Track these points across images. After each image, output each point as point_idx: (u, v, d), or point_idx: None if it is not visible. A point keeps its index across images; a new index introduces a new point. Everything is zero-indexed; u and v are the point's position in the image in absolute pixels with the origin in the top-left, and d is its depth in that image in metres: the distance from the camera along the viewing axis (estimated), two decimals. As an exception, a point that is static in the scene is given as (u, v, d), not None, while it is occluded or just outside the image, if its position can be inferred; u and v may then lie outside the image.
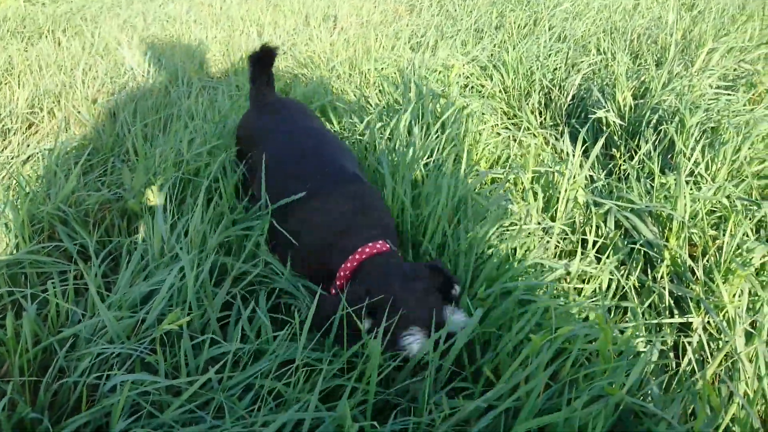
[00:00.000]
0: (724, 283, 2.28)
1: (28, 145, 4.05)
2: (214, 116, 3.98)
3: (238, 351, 2.02)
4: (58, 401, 1.96)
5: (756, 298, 2.28)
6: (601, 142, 3.19)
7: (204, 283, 2.25)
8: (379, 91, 4.59)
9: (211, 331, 2.10)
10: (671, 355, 2.18)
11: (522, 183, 3.09)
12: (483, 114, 4.00)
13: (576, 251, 2.77)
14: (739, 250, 2.48)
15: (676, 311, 2.33)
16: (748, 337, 2.07)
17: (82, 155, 3.48)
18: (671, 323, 2.27)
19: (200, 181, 2.95)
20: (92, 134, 4.11)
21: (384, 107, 4.13)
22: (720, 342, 2.10)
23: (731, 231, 2.49)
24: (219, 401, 1.82)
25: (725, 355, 2.06)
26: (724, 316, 2.18)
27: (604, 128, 4.01)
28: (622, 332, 2.19)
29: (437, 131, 3.50)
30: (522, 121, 4.20)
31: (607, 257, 2.57)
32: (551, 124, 4.42)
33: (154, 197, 2.77)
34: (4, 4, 7.58)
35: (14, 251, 2.61)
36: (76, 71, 5.07)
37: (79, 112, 4.48)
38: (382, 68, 4.96)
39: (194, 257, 2.32)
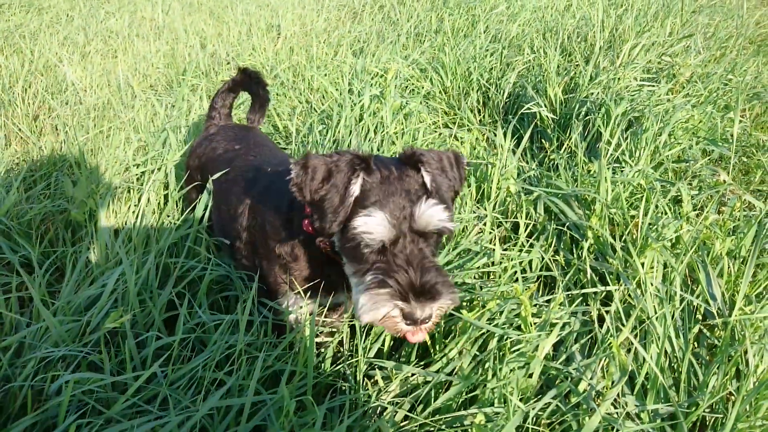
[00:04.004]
0: (639, 256, 2.46)
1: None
2: (157, 127, 4.02)
3: (184, 342, 2.09)
4: (4, 407, 1.99)
5: (671, 269, 2.46)
6: (527, 134, 3.37)
7: (149, 283, 2.32)
8: (322, 95, 4.70)
9: (156, 328, 2.16)
10: (596, 325, 2.33)
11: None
12: (420, 113, 4.14)
13: (509, 236, 2.93)
14: (655, 227, 2.67)
15: (599, 285, 2.49)
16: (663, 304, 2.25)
17: (24, 171, 3.49)
18: (595, 297, 2.43)
19: (143, 188, 3.00)
20: (34, 150, 4.09)
21: (326, 111, 4.24)
22: (634, 308, 2.27)
23: (645, 210, 2.67)
24: (165, 394, 1.89)
25: (641, 321, 2.23)
26: (639, 286, 2.35)
27: (539, 123, 4.21)
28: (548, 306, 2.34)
29: (375, 129, 3.63)
30: (461, 119, 4.36)
31: (536, 239, 2.73)
32: (490, 121, 4.60)
33: (97, 205, 2.82)
34: (-63, 24, 7.40)
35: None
36: (15, 88, 5.02)
37: (20, 129, 4.45)
38: (325, 74, 5.07)
39: (136, 260, 2.37)
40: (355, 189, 1.79)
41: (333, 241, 1.94)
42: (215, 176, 2.51)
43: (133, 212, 2.94)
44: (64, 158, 3.85)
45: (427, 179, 1.84)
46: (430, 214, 1.75)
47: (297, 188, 1.85)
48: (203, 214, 2.58)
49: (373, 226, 1.73)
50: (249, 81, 3.04)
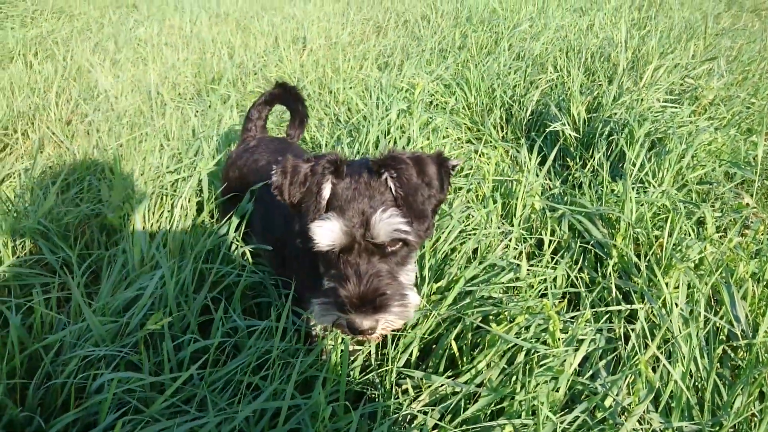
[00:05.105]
0: (664, 276, 2.50)
1: (3, 166, 4.12)
2: (188, 134, 4.13)
3: (219, 346, 2.16)
4: (46, 403, 2.07)
5: (695, 290, 2.50)
6: (553, 153, 3.42)
7: (185, 288, 2.40)
8: (348, 108, 4.78)
9: (191, 331, 2.23)
10: (621, 343, 2.37)
11: (482, 191, 3.29)
12: (446, 129, 4.21)
13: (534, 252, 2.98)
14: (679, 247, 2.70)
15: (623, 303, 2.53)
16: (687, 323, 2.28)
17: (58, 174, 3.59)
18: (619, 315, 2.48)
19: (176, 195, 3.09)
20: (67, 154, 4.21)
21: (353, 123, 4.33)
22: (659, 327, 2.31)
23: (670, 231, 2.72)
24: (202, 395, 1.96)
25: (666, 340, 2.26)
26: (663, 305, 2.39)
27: (562, 141, 4.26)
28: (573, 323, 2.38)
29: (404, 147, 3.71)
30: (484, 135, 4.42)
31: (561, 256, 2.78)
32: (512, 137, 4.65)
33: (133, 210, 2.91)
34: (-28, 28, 7.61)
35: (-3, 265, 2.71)
36: (50, 93, 5.16)
37: (53, 134, 4.58)
38: (351, 87, 5.16)
39: (173, 265, 2.45)
40: (326, 193, 1.81)
41: None
42: (258, 185, 2.59)
43: (167, 218, 3.03)
44: (97, 163, 3.96)
45: (392, 185, 1.80)
46: (387, 223, 1.73)
47: (278, 191, 1.90)
48: (239, 222, 2.65)
49: (324, 231, 1.74)
50: (287, 96, 3.12)
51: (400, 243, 1.79)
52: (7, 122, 4.67)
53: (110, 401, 1.90)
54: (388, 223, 1.73)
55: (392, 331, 1.77)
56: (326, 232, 1.74)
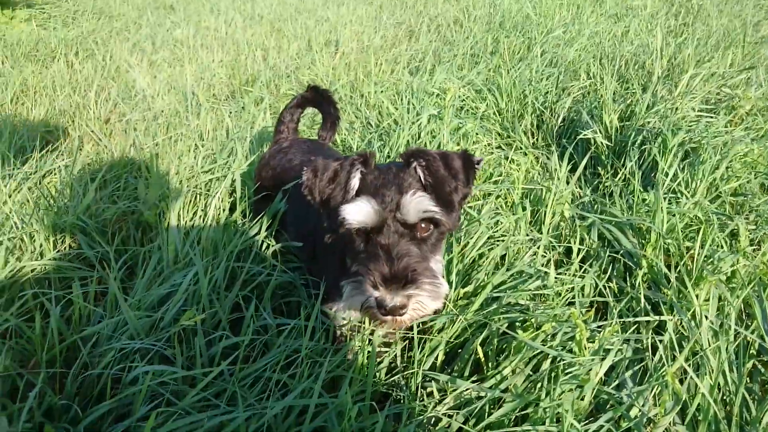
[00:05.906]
0: (694, 288, 2.48)
1: (45, 162, 4.25)
2: (222, 135, 4.22)
3: (250, 343, 2.22)
4: (82, 392, 2.14)
5: (726, 303, 2.47)
6: (584, 161, 3.41)
7: (217, 285, 2.46)
8: (379, 112, 4.83)
9: (222, 328, 2.30)
10: (648, 354, 2.36)
11: (512, 197, 3.30)
12: (477, 134, 4.23)
13: (562, 260, 2.98)
14: (711, 260, 2.68)
15: (652, 314, 2.52)
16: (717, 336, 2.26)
17: (97, 171, 3.70)
18: (647, 325, 2.46)
19: (210, 195, 3.16)
20: (105, 152, 4.33)
21: (384, 127, 4.36)
22: (688, 340, 2.29)
23: (702, 242, 2.69)
24: (232, 390, 2.01)
25: (694, 353, 2.25)
26: (693, 318, 2.37)
27: (593, 149, 4.24)
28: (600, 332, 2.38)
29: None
30: (515, 141, 4.42)
31: (590, 265, 2.77)
32: (543, 144, 4.64)
33: (168, 208, 2.99)
34: (17, 28, 7.87)
35: (39, 258, 2.81)
36: (90, 92, 5.31)
37: (92, 131, 4.71)
38: (382, 91, 5.20)
39: (207, 263, 2.51)
40: (355, 183, 1.87)
41: None
42: (291, 183, 2.65)
43: (200, 217, 3.11)
44: (134, 161, 4.07)
45: (421, 174, 1.86)
46: (418, 202, 1.77)
47: (308, 191, 1.95)
48: (271, 222, 2.71)
49: (355, 211, 1.78)
50: (319, 99, 3.17)
51: (431, 225, 1.83)
52: (49, 120, 4.83)
53: (144, 393, 1.97)
54: (418, 202, 1.78)
55: (421, 317, 1.78)
56: (357, 209, 1.79)
